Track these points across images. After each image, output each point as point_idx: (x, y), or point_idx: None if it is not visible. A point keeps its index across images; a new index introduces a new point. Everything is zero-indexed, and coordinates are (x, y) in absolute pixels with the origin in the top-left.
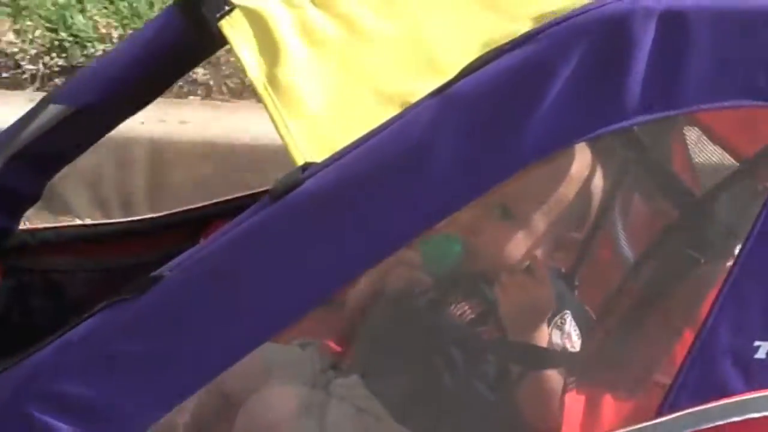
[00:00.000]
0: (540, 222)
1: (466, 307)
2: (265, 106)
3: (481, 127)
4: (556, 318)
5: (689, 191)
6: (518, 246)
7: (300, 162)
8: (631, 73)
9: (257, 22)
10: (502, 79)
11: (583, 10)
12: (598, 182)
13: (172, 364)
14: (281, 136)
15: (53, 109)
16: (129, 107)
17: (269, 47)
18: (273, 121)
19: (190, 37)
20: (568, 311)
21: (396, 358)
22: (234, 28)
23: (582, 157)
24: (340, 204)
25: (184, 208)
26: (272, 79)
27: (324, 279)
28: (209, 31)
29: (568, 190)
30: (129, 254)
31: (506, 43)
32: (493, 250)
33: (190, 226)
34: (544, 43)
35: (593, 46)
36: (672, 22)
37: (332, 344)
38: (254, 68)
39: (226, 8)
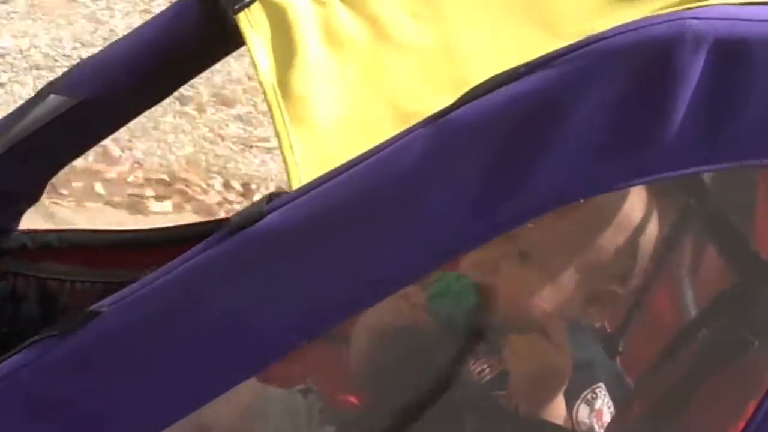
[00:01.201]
0: (565, 270)
1: (485, 365)
2: (271, 115)
3: (481, 165)
4: (586, 392)
5: (755, 254)
6: (534, 296)
7: (296, 185)
8: (672, 115)
9: (277, 17)
10: (510, 109)
11: (619, 31)
12: (652, 229)
13: (108, 412)
14: (282, 154)
15: (54, 100)
16: (138, 102)
17: (286, 47)
18: (277, 133)
19: (206, 31)
20: (601, 384)
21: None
22: (251, 22)
23: (636, 199)
24: (307, 243)
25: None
26: (283, 84)
27: (285, 329)
28: (227, 25)
29: (611, 238)
30: (134, 267)
31: (520, 66)
32: (508, 299)
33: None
34: (565, 69)
35: (625, 77)
36: (728, 54)
37: (337, 393)
38: (266, 69)
39: (245, 0)
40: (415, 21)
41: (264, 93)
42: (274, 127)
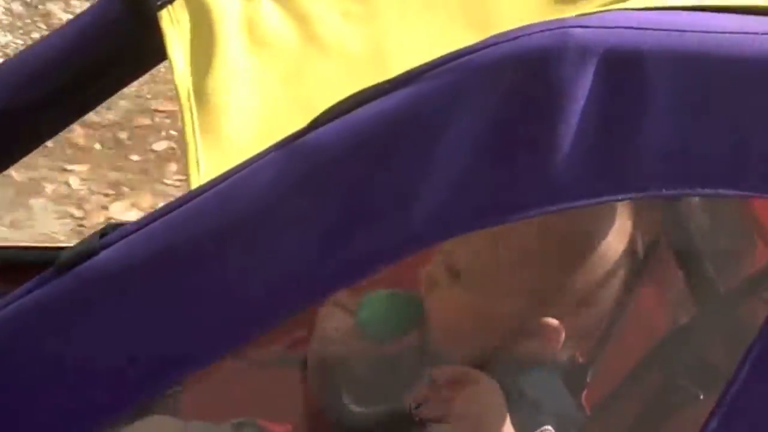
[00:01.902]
0: (504, 295)
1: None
2: (182, 124)
3: (337, 194)
4: None
5: (712, 282)
6: (466, 321)
7: None
8: (555, 140)
9: (200, 14)
10: (369, 131)
11: (492, 42)
12: (620, 253)
13: None
14: (188, 170)
15: None
16: (61, 112)
17: (206, 48)
18: (186, 145)
19: (130, 32)
20: (548, 427)
21: None
22: (172, 20)
23: (605, 217)
24: (147, 284)
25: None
26: (199, 90)
27: (116, 383)
28: (152, 26)
29: (571, 264)
30: None
31: (384, 82)
32: (438, 320)
33: None
34: (431, 85)
35: (498, 96)
36: (621, 68)
37: (275, 426)
38: (183, 72)
39: None
40: (345, 20)
41: (178, 99)
42: (183, 138)
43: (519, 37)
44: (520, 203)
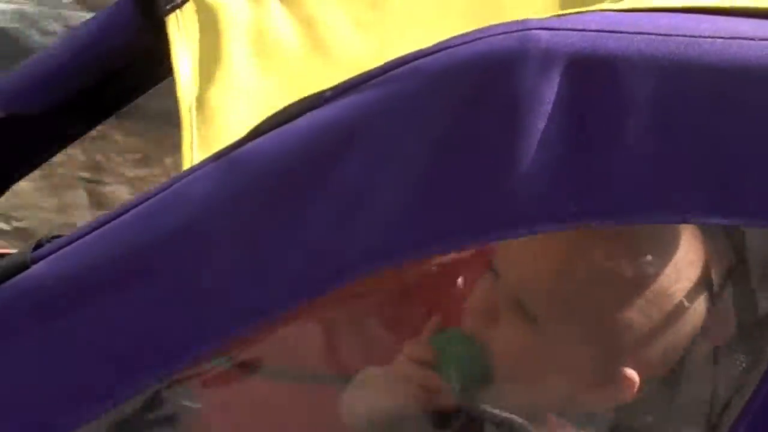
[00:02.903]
0: (579, 339)
1: None
2: (182, 136)
3: (272, 209)
4: None
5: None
6: (539, 365)
7: None
8: (519, 154)
9: (208, 19)
10: (308, 142)
11: (446, 45)
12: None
13: None
14: None
15: None
16: (78, 120)
17: (211, 55)
18: (182, 158)
19: (142, 38)
20: None
21: None
22: (180, 26)
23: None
24: (74, 300)
25: None
26: (202, 101)
27: (51, 408)
28: (164, 31)
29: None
30: None
31: (329, 89)
32: (505, 363)
33: None
34: (375, 94)
35: (452, 106)
36: (591, 76)
37: None
38: (187, 81)
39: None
40: (356, 29)
41: (180, 109)
42: (182, 150)
43: (475, 39)
44: (477, 227)
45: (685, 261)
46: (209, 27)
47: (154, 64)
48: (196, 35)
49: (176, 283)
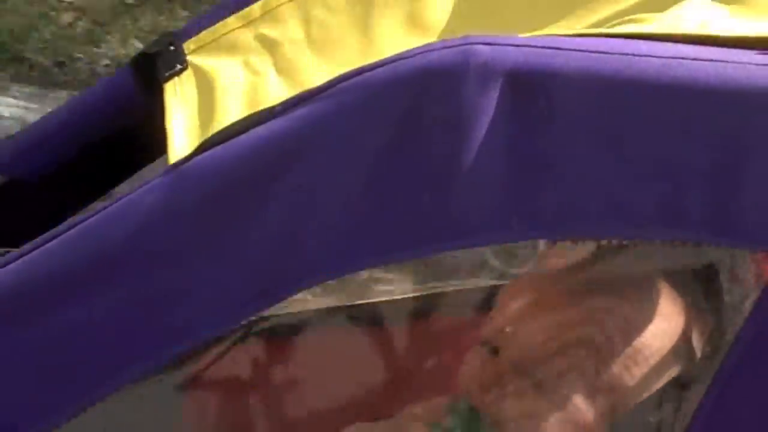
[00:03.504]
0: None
1: None
2: None
3: (218, 222)
4: None
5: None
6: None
7: None
8: (460, 166)
9: (205, 87)
10: (256, 155)
11: (392, 59)
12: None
13: None
14: None
15: None
16: (80, 188)
17: (206, 124)
18: None
19: (145, 106)
20: None
21: None
22: (176, 93)
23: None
24: (29, 306)
25: None
26: None
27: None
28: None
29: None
30: None
31: (279, 104)
32: (515, 428)
33: None
34: (320, 108)
35: (394, 119)
36: (528, 90)
37: None
38: (180, 149)
39: (178, 67)
40: None
41: None
42: None
43: (419, 53)
44: (418, 238)
45: (666, 324)
46: (206, 93)
47: (155, 131)
48: (194, 99)
49: (125, 291)
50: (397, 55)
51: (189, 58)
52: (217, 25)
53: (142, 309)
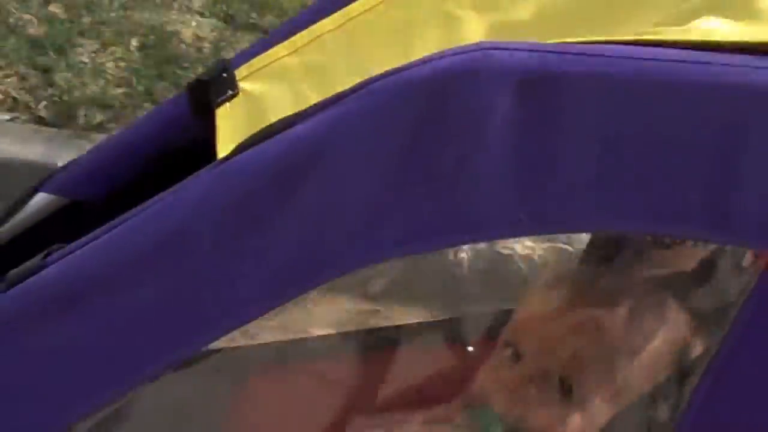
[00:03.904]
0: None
1: None
2: None
3: (252, 220)
4: None
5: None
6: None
7: None
8: (474, 164)
9: (255, 111)
10: (285, 156)
11: (407, 66)
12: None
13: None
14: None
15: (44, 199)
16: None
17: None
18: None
19: (198, 129)
20: None
21: None
22: (227, 117)
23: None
24: (82, 300)
25: None
26: None
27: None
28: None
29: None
30: None
31: (309, 107)
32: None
33: None
34: (348, 109)
35: (407, 123)
36: (540, 94)
37: None
38: None
39: (229, 92)
40: None
41: None
42: None
43: (435, 59)
44: (434, 233)
45: (672, 332)
46: (256, 116)
47: (209, 153)
48: (244, 123)
49: (171, 281)
50: (414, 61)
51: (240, 84)
52: (268, 52)
53: (184, 297)
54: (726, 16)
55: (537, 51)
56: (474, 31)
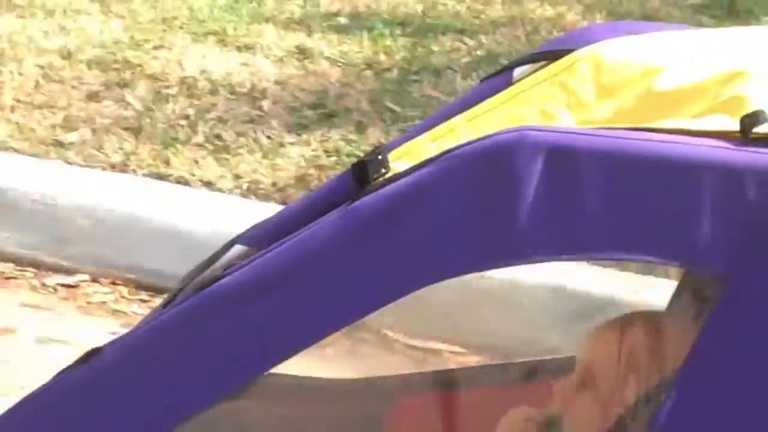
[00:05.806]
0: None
1: None
2: None
3: (363, 249)
4: None
5: None
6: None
7: None
8: (515, 212)
9: None
10: (399, 199)
11: (477, 140)
12: None
13: None
14: None
15: (237, 250)
16: None
17: None
18: None
19: None
20: None
21: None
22: None
23: None
24: (250, 301)
25: None
26: None
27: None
28: None
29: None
30: None
31: (412, 167)
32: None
33: None
34: (434, 169)
35: (474, 178)
36: (559, 161)
37: None
38: None
39: (383, 171)
40: None
41: None
42: None
43: (492, 136)
44: (491, 257)
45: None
46: None
47: None
48: None
49: (307, 297)
50: (483, 137)
51: (392, 164)
52: (415, 139)
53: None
54: None
55: (563, 132)
56: (565, 125)
